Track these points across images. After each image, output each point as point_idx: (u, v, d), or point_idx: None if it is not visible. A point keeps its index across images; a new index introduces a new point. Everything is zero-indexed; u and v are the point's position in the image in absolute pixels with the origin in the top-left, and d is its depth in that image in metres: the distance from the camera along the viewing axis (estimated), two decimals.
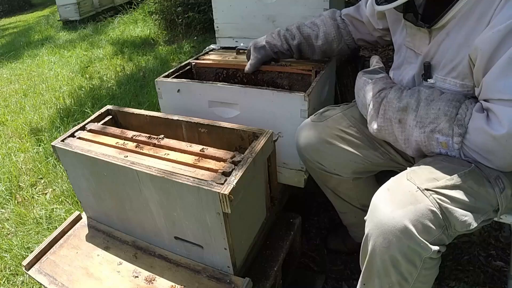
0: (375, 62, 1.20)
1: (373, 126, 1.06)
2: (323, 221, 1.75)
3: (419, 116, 0.94)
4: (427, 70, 1.00)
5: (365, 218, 0.93)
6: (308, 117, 1.28)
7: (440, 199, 0.84)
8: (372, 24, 1.31)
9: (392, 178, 0.96)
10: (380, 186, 1.41)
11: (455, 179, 0.87)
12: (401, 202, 0.85)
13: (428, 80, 1.01)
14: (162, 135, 1.17)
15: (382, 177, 1.44)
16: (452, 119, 0.90)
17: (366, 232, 0.91)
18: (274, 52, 1.46)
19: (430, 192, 0.85)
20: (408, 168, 0.97)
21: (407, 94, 0.99)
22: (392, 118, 1.00)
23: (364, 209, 1.37)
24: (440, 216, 0.83)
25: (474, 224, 0.86)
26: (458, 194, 0.86)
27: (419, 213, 0.83)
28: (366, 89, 1.10)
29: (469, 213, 0.86)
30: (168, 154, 1.08)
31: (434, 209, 0.83)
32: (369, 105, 1.07)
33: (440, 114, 0.91)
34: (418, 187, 0.86)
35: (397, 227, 0.83)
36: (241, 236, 1.09)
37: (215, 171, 0.98)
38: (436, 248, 0.84)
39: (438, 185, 0.86)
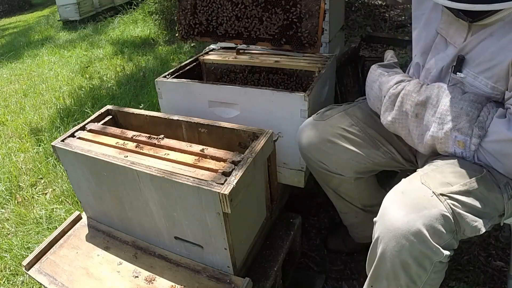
0: (389, 56, 1.19)
1: (387, 117, 1.05)
2: (323, 221, 1.75)
3: (439, 113, 0.93)
4: (459, 64, 0.97)
5: (374, 219, 0.93)
6: (308, 117, 1.29)
7: (453, 204, 0.84)
8: None
9: (404, 181, 0.95)
10: (380, 187, 1.41)
11: (468, 184, 0.87)
12: (416, 206, 0.84)
13: (458, 73, 0.97)
14: (162, 135, 1.17)
15: (382, 177, 1.45)
16: (473, 120, 0.89)
17: (376, 234, 0.90)
18: None
19: (445, 197, 0.85)
20: (418, 169, 0.96)
21: (427, 89, 0.98)
22: (408, 112, 0.99)
23: (365, 209, 1.37)
24: (452, 221, 0.83)
25: (483, 230, 0.87)
26: (470, 199, 0.86)
27: (433, 217, 0.82)
28: (381, 80, 1.09)
29: (479, 219, 0.86)
30: (168, 154, 1.08)
31: (448, 214, 0.83)
32: (384, 96, 1.06)
33: (462, 114, 0.90)
34: (433, 192, 0.86)
35: (411, 231, 0.82)
36: (241, 236, 1.09)
37: (215, 171, 0.98)
38: (448, 252, 0.84)
39: (452, 190, 0.86)
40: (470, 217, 0.85)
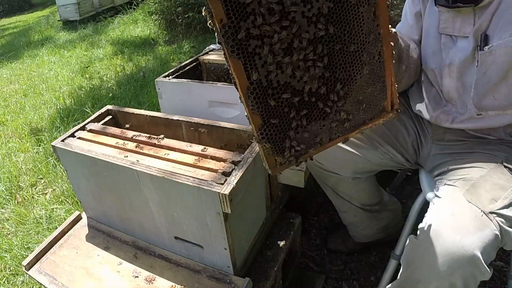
0: None
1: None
2: (323, 221, 1.75)
3: None
4: (483, 41, 0.95)
5: (417, 240, 0.90)
6: None
7: (501, 221, 0.84)
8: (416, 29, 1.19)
9: (448, 200, 0.92)
10: (380, 186, 1.41)
11: (508, 197, 0.87)
12: (469, 229, 0.82)
13: (484, 48, 0.95)
14: (162, 135, 1.17)
15: (382, 176, 1.45)
16: None
17: (421, 258, 0.87)
18: None
19: (494, 215, 0.84)
20: (455, 184, 0.95)
21: None
22: None
23: (364, 208, 1.37)
24: (499, 238, 0.83)
25: None
26: (511, 212, 0.86)
27: (486, 239, 0.81)
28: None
29: None
30: (168, 154, 1.08)
31: (497, 232, 0.82)
32: None
33: None
34: (482, 211, 0.85)
35: (466, 256, 0.80)
36: (241, 236, 1.09)
37: (215, 171, 0.98)
38: (491, 271, 0.83)
39: (497, 206, 0.85)
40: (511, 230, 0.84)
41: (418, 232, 0.91)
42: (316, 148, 0.74)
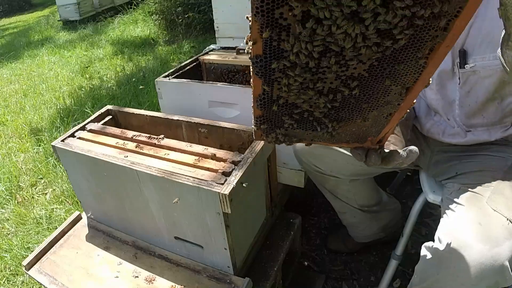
0: None
1: None
2: (323, 221, 1.75)
3: None
4: (462, 57, 0.92)
5: (437, 249, 0.88)
6: None
7: None
8: None
9: (471, 208, 0.91)
10: (378, 187, 1.39)
11: None
12: (497, 239, 0.82)
13: (465, 66, 0.92)
14: (162, 135, 1.17)
15: (383, 177, 1.45)
16: None
17: (445, 269, 0.85)
18: None
19: None
20: (477, 191, 0.93)
21: None
22: None
23: (363, 209, 1.36)
24: None
25: None
26: None
27: None
28: None
29: None
30: (168, 154, 1.08)
31: None
32: None
33: None
34: (508, 219, 0.84)
35: (495, 266, 0.80)
36: (241, 236, 1.08)
37: (215, 171, 0.98)
38: None
39: None
40: None
41: (438, 241, 0.88)
42: (297, 142, 0.76)
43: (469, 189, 0.95)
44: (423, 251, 0.92)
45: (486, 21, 0.87)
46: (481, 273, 0.80)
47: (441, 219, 0.95)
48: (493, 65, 0.89)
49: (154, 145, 1.14)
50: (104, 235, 1.30)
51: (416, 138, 1.18)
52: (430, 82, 0.60)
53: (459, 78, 0.96)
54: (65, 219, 1.54)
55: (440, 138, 1.08)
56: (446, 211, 0.95)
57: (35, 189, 2.22)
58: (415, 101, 0.66)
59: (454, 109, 1.01)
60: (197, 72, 1.75)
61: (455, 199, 0.95)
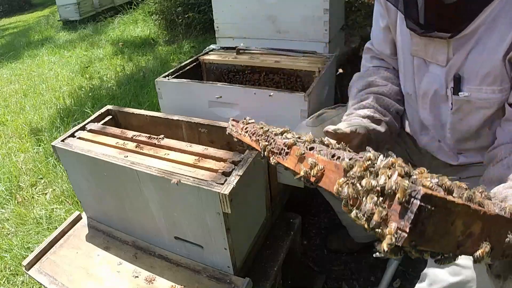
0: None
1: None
2: (323, 221, 1.75)
3: None
4: (457, 83, 0.91)
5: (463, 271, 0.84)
6: (308, 117, 1.28)
7: None
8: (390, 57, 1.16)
9: None
10: None
11: None
12: None
13: (459, 94, 0.91)
14: (162, 135, 1.17)
15: None
16: None
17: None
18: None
19: None
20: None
21: None
22: None
23: None
24: None
25: None
26: None
27: None
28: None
29: None
30: (168, 154, 1.08)
31: None
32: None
33: None
34: None
35: None
36: (241, 236, 1.08)
37: (215, 171, 0.98)
38: None
39: None
40: None
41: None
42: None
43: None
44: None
45: (484, 53, 0.85)
46: None
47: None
48: (491, 98, 0.88)
49: (154, 145, 1.14)
50: (104, 235, 1.30)
51: (418, 152, 1.18)
52: None
53: (451, 104, 0.94)
54: (65, 219, 1.54)
55: (435, 153, 1.09)
56: None
57: (35, 189, 2.22)
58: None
59: (445, 132, 1.01)
60: (197, 72, 1.75)
61: None
